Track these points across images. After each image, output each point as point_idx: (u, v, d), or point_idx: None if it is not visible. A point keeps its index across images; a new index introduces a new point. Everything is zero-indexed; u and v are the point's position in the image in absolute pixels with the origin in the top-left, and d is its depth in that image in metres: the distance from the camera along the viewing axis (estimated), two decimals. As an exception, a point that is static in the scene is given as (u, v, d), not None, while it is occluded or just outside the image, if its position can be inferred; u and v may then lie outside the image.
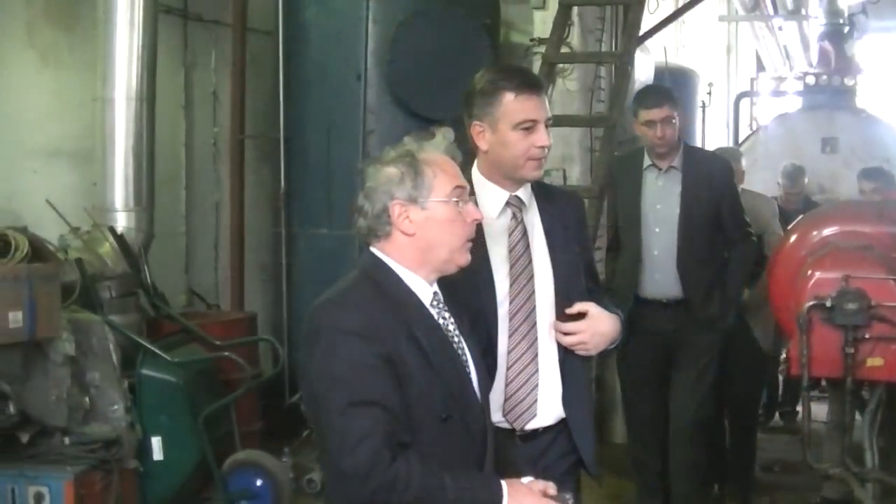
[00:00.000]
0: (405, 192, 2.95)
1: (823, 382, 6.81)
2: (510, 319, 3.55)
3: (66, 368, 5.54)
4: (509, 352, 3.55)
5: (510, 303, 3.55)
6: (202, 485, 6.21)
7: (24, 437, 5.48)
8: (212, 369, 6.42)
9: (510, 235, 3.58)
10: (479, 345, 3.27)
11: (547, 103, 3.58)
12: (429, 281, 3.05)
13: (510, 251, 3.57)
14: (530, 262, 3.58)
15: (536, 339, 3.57)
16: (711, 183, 5.89)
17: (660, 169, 5.91)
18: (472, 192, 3.54)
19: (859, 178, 8.21)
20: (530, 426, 3.57)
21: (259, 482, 6.13)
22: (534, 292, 3.57)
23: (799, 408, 8.36)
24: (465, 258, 3.07)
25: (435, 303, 3.06)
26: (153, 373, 5.95)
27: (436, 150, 3.06)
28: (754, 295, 6.64)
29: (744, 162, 8.37)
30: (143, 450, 5.85)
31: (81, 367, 5.65)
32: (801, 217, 6.28)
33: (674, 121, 5.80)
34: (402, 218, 2.96)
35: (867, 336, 5.07)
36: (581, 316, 3.54)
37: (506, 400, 3.54)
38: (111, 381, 5.70)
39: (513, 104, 3.47)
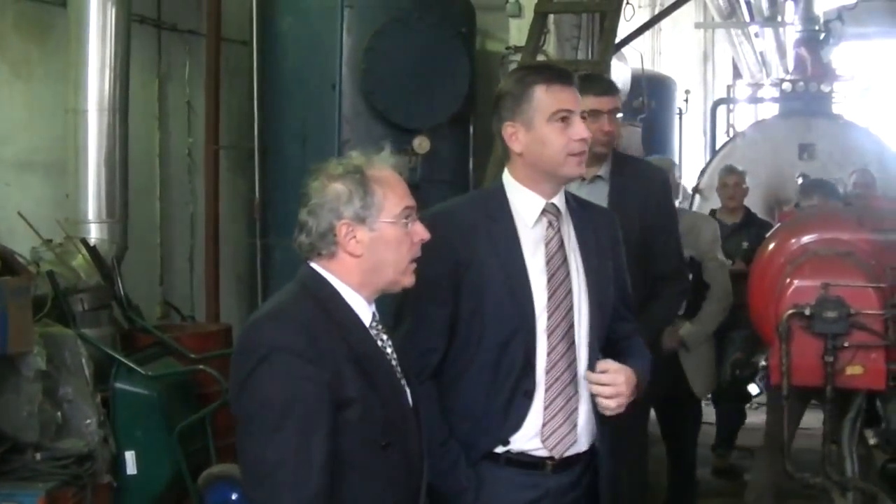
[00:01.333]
0: (353, 211, 2.83)
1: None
2: (548, 336, 3.36)
3: (37, 383, 5.45)
4: (547, 372, 3.36)
5: (548, 318, 3.36)
6: (177, 499, 6.15)
7: (-5, 454, 5.41)
8: (187, 382, 6.35)
9: (547, 245, 3.41)
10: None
11: (579, 96, 3.43)
12: (369, 301, 2.93)
13: (547, 262, 3.39)
14: (568, 274, 3.39)
15: (575, 358, 3.39)
16: (647, 202, 4.97)
17: (583, 178, 4.89)
18: (507, 199, 3.44)
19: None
20: (569, 452, 3.39)
21: (235, 496, 6.03)
22: (572, 307, 3.38)
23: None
24: (410, 279, 2.95)
25: (374, 324, 2.93)
26: (127, 386, 5.89)
27: (384, 165, 2.93)
28: (695, 331, 6.31)
29: (678, 173, 8.25)
30: (117, 464, 5.78)
31: (54, 382, 5.57)
32: (778, 224, 6.26)
33: (619, 115, 5.08)
34: (348, 238, 2.84)
35: (847, 344, 5.05)
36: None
37: (544, 424, 3.36)
38: (84, 395, 5.63)
39: (545, 96, 3.34)
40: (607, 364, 3.34)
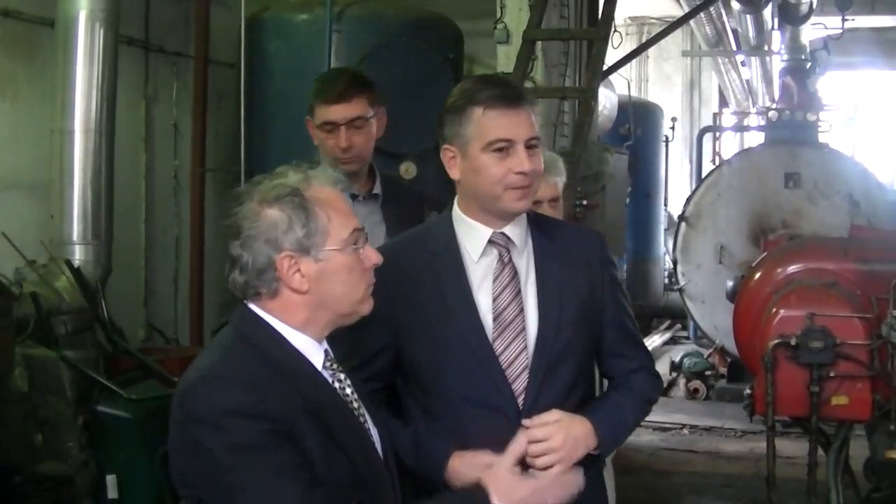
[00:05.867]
0: (295, 240, 2.43)
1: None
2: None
3: (18, 405, 5.42)
4: None
5: (498, 358, 2.96)
6: (158, 524, 6.10)
7: (-26, 477, 5.37)
8: (169, 406, 6.29)
9: (494, 281, 2.99)
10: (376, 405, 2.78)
11: (532, 119, 2.97)
12: (319, 339, 2.56)
13: (494, 300, 2.98)
14: (521, 313, 2.98)
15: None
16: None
17: (355, 196, 4.16)
18: (453, 231, 3.06)
19: None
20: None
21: (216, 521, 6.00)
22: (525, 348, 2.96)
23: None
24: (367, 307, 2.57)
25: (328, 363, 2.56)
26: (109, 409, 5.82)
27: (324, 184, 2.53)
28: None
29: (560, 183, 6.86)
30: (98, 489, 5.72)
31: (35, 404, 5.54)
32: (764, 254, 6.25)
33: (371, 119, 4.23)
34: (291, 273, 2.44)
35: (832, 374, 5.05)
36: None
37: None
38: (65, 418, 5.59)
39: (482, 121, 2.91)
40: (544, 417, 2.87)
